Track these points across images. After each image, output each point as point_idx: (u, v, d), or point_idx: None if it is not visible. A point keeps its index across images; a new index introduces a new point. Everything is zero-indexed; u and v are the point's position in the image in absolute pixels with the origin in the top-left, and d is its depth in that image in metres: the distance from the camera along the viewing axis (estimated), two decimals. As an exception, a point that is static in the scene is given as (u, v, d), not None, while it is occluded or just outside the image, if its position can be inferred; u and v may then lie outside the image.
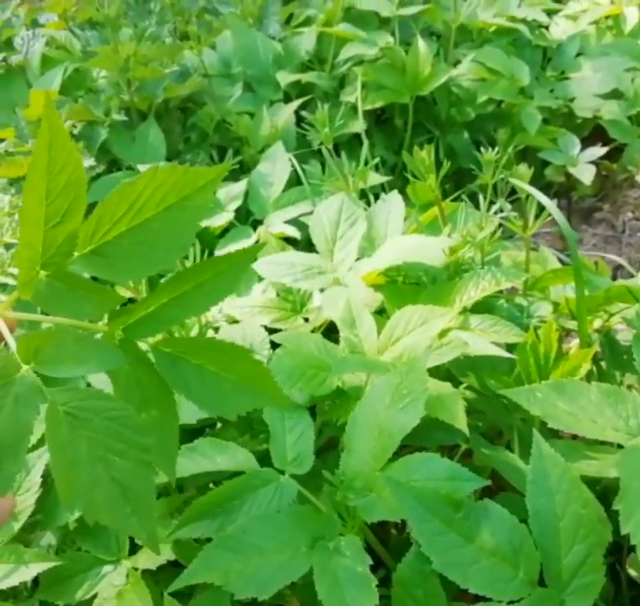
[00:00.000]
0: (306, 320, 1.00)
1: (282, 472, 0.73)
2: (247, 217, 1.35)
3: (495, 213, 1.07)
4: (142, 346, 0.41)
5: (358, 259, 0.99)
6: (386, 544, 0.88)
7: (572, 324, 0.92)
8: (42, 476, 0.80)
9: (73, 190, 0.34)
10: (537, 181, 1.51)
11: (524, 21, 1.67)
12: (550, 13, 1.80)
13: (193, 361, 0.41)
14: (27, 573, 0.75)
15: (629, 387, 0.94)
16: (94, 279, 0.40)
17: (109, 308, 0.39)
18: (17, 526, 0.78)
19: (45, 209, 0.34)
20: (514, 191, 1.03)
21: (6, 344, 0.37)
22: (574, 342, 0.97)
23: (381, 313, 0.98)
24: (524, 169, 0.89)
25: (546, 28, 1.78)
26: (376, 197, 1.38)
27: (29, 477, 0.80)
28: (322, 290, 0.99)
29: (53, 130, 0.32)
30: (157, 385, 0.40)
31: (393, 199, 1.05)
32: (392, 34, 1.64)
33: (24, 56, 1.69)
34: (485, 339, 0.84)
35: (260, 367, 0.42)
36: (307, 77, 1.59)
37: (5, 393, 0.34)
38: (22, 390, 0.34)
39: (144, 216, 0.36)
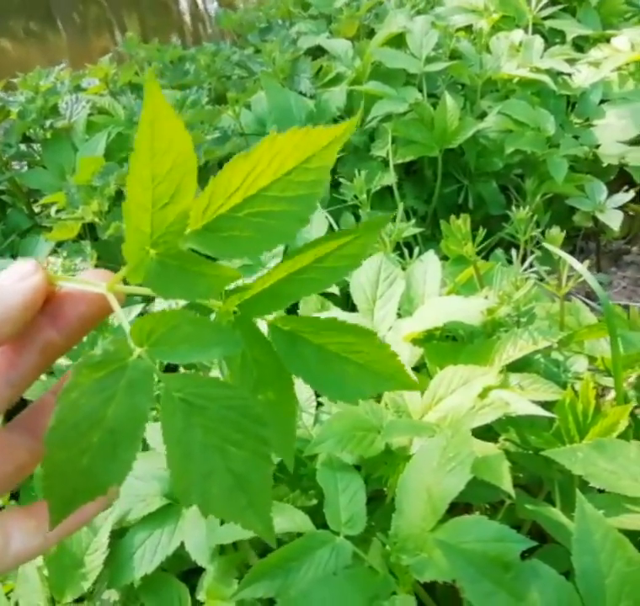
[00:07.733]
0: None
1: (337, 533, 0.77)
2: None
3: (526, 269, 1.12)
4: (260, 324, 0.38)
5: (397, 318, 1.04)
6: (433, 592, 0.91)
7: (607, 380, 0.96)
8: (109, 538, 0.84)
9: (181, 170, 0.31)
10: (565, 226, 1.55)
11: (547, 71, 1.71)
12: (571, 61, 1.85)
13: (313, 341, 0.38)
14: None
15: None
16: (208, 258, 0.37)
17: (224, 286, 0.36)
18: (86, 585, 0.83)
19: (151, 193, 0.32)
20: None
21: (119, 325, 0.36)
22: (610, 396, 1.00)
23: (419, 368, 1.02)
24: (556, 232, 0.93)
25: (569, 75, 1.83)
26: (407, 245, 1.43)
27: (96, 538, 0.85)
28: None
29: (156, 106, 0.29)
30: (274, 365, 0.38)
31: (429, 258, 1.10)
32: (419, 88, 1.70)
33: (68, 120, 1.78)
34: (525, 398, 0.87)
35: (387, 350, 0.39)
36: (339, 133, 1.64)
37: (118, 378, 0.32)
38: (136, 375, 0.32)
39: (260, 185, 0.34)
